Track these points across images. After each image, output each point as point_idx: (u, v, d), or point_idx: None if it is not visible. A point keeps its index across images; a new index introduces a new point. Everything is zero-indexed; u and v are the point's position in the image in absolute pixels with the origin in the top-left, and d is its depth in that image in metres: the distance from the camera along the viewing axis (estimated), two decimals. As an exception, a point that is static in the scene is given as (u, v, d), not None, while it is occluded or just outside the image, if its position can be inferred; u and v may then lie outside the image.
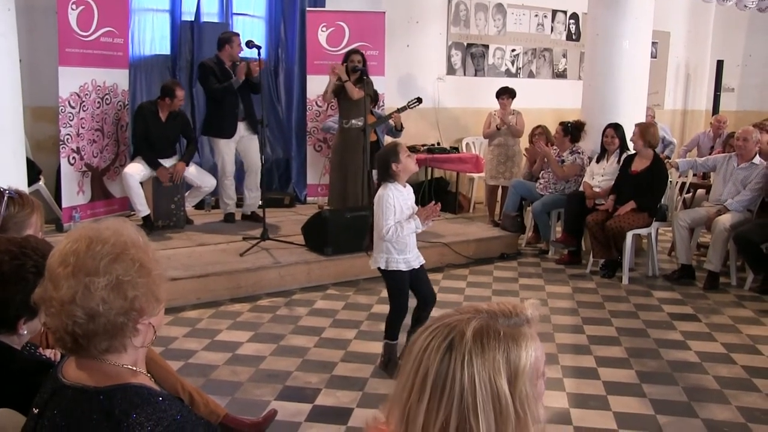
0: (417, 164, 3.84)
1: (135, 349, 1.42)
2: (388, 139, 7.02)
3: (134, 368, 1.41)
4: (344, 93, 6.30)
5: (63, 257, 1.36)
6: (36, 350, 2.04)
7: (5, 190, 2.25)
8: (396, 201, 3.69)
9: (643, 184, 5.87)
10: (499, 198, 7.32)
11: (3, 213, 2.11)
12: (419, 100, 6.51)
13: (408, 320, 3.93)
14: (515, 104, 7.32)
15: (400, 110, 6.56)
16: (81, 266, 1.34)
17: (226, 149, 6.52)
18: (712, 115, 9.86)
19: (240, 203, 6.88)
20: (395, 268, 3.77)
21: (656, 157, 5.98)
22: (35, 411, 1.43)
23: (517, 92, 7.34)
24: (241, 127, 6.52)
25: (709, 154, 7.42)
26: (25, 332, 1.79)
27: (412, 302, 3.94)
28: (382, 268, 3.80)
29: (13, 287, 1.72)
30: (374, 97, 6.65)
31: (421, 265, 3.90)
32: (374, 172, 6.76)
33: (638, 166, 5.98)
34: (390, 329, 3.90)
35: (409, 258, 3.81)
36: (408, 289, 3.88)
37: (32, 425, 1.42)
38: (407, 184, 3.83)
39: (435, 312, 4.76)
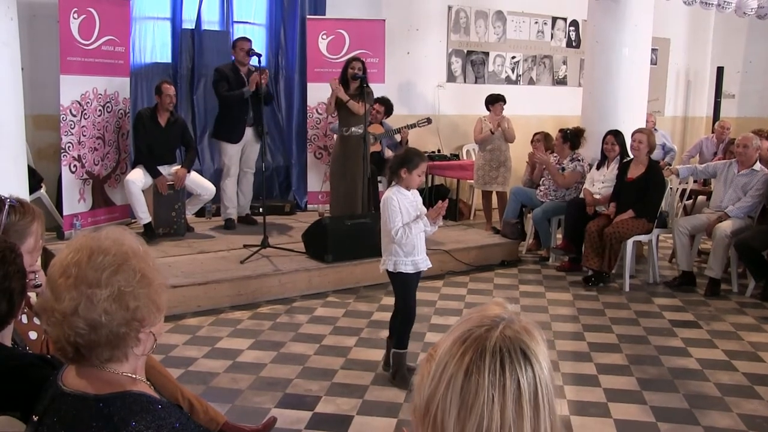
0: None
1: (136, 357, 1.42)
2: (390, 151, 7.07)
3: (134, 376, 1.41)
4: (344, 103, 6.31)
5: (64, 268, 1.36)
6: None
7: (6, 198, 2.25)
8: (400, 204, 3.74)
9: (640, 191, 5.86)
10: (496, 204, 7.32)
11: (4, 221, 2.11)
12: (429, 121, 6.60)
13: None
14: (510, 111, 7.31)
15: (409, 126, 6.61)
16: (83, 278, 1.34)
17: (232, 152, 6.70)
18: (713, 121, 9.86)
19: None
20: (402, 270, 3.79)
21: (651, 164, 5.97)
22: (35, 418, 1.43)
23: (518, 99, 7.36)
24: (249, 133, 6.70)
25: (712, 160, 7.41)
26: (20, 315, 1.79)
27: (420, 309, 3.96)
28: (390, 270, 3.82)
29: (13, 283, 1.71)
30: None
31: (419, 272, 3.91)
32: (378, 178, 6.84)
33: (634, 173, 5.96)
34: (399, 337, 3.87)
35: (417, 260, 3.83)
36: (415, 292, 3.89)
37: (32, 432, 1.43)
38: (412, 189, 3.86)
39: (434, 318, 4.79)
